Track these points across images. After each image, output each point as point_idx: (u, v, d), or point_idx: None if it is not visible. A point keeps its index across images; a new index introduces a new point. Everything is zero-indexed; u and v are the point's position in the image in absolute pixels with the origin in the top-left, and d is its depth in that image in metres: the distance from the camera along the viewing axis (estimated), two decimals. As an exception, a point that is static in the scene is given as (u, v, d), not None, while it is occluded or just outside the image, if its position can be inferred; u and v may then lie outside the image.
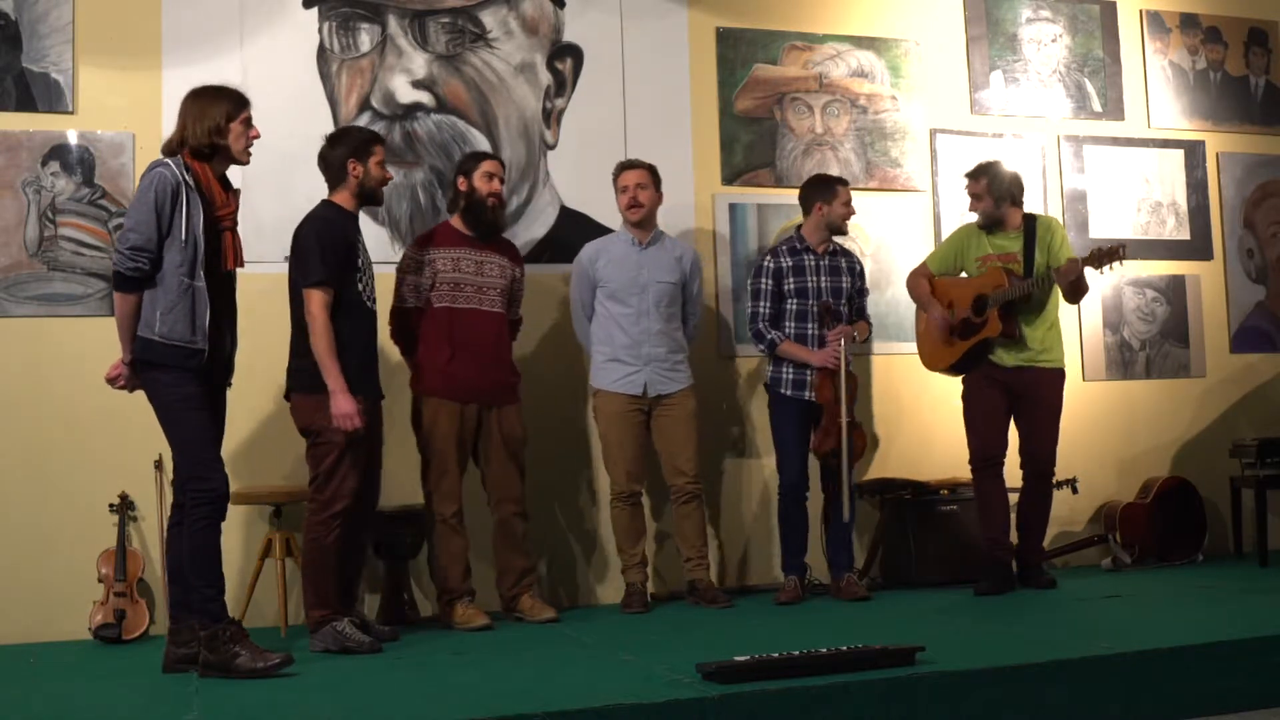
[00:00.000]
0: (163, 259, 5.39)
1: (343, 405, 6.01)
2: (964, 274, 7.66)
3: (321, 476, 6.17)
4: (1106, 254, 7.05)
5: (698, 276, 7.57)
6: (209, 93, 5.65)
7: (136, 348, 5.43)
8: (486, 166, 6.96)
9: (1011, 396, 7.44)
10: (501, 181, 7.04)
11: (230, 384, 5.80)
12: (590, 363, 7.47)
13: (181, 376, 5.42)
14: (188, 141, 5.53)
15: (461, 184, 6.99)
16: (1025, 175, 7.79)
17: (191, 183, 5.46)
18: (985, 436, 7.47)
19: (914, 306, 8.01)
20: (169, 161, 5.47)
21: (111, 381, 5.62)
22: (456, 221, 7.03)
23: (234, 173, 5.78)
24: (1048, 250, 7.40)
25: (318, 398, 6.09)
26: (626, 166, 7.42)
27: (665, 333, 7.32)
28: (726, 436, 8.09)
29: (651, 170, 7.40)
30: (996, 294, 7.31)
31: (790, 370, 7.41)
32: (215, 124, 5.53)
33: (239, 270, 5.75)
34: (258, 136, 5.71)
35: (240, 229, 5.70)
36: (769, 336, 7.45)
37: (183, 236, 5.39)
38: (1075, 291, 7.35)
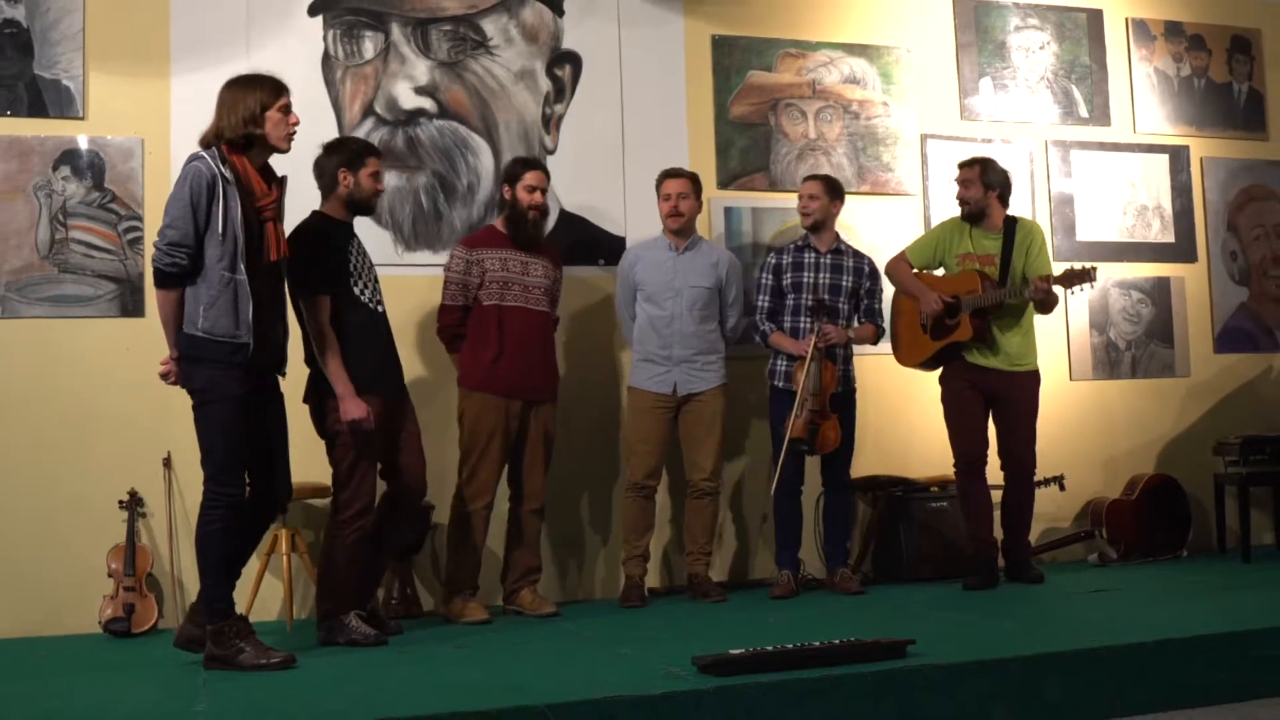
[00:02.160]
0: (203, 254, 5.31)
1: (352, 409, 5.96)
2: (942, 268, 7.66)
3: (341, 479, 6.16)
4: (1078, 275, 7.08)
5: (735, 281, 7.57)
6: (243, 82, 5.55)
7: (180, 343, 5.36)
8: (529, 179, 6.98)
9: (989, 398, 7.44)
10: (544, 193, 7.05)
11: (284, 373, 5.75)
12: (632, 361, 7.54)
13: (225, 374, 5.34)
14: (224, 133, 5.43)
15: (506, 192, 7.05)
16: (1014, 179, 7.76)
17: (229, 175, 5.37)
18: (966, 438, 7.46)
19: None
20: (204, 155, 5.37)
21: (164, 377, 5.56)
22: (501, 224, 7.08)
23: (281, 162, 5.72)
24: (1025, 255, 7.40)
25: (334, 402, 6.06)
26: (670, 175, 7.46)
27: (698, 334, 7.37)
28: (726, 434, 8.08)
29: (694, 179, 7.47)
30: (969, 299, 7.31)
31: (783, 362, 7.47)
32: (250, 113, 5.43)
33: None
34: (297, 123, 5.61)
35: (278, 221, 5.61)
36: (762, 328, 7.56)
37: (220, 230, 5.30)
38: (1045, 305, 7.34)
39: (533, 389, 6.95)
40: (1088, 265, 7.16)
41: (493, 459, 6.86)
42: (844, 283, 7.54)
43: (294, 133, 5.61)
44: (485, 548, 6.96)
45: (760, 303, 7.60)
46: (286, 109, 5.55)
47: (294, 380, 6.16)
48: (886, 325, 7.80)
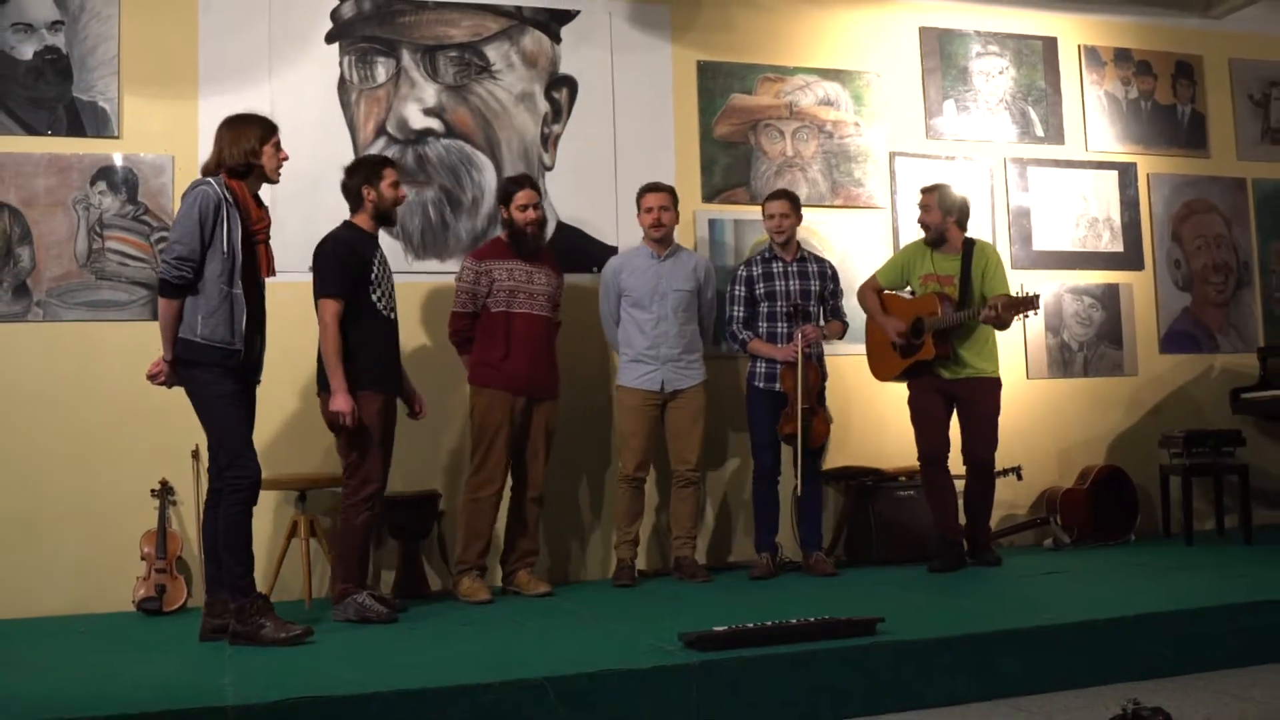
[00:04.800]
0: (204, 268, 5.41)
1: (340, 403, 6.06)
2: (909, 287, 7.67)
3: (352, 465, 6.22)
4: (1020, 304, 7.03)
5: (711, 283, 7.62)
6: (241, 120, 5.69)
7: (179, 348, 5.44)
8: (520, 199, 6.99)
9: (951, 401, 7.46)
10: (536, 207, 7.04)
11: (259, 381, 5.80)
12: (619, 362, 7.53)
13: (220, 374, 5.45)
14: (225, 163, 5.55)
15: (504, 212, 7.07)
16: (975, 194, 7.84)
17: (230, 199, 5.48)
18: (930, 438, 7.47)
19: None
20: (210, 181, 5.50)
21: (152, 378, 5.62)
22: (505, 237, 7.09)
23: (263, 191, 5.78)
24: (982, 276, 7.40)
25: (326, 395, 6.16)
26: (651, 189, 7.46)
27: (681, 334, 7.39)
28: (707, 428, 8.09)
29: (672, 192, 7.47)
30: (931, 321, 7.32)
31: (762, 365, 7.49)
32: (250, 146, 5.57)
33: (269, 280, 5.76)
34: (286, 158, 5.74)
35: (269, 242, 5.70)
36: (740, 336, 7.56)
37: (224, 248, 5.41)
38: (999, 325, 7.32)
39: (537, 386, 6.98)
40: (1030, 294, 7.10)
41: (500, 449, 6.88)
42: (812, 287, 7.57)
43: (282, 165, 5.75)
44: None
45: (735, 313, 7.61)
46: (278, 145, 5.71)
47: (296, 381, 6.25)
48: (850, 320, 7.85)
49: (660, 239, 7.44)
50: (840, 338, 7.80)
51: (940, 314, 7.30)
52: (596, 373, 7.88)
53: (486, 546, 6.90)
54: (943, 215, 7.49)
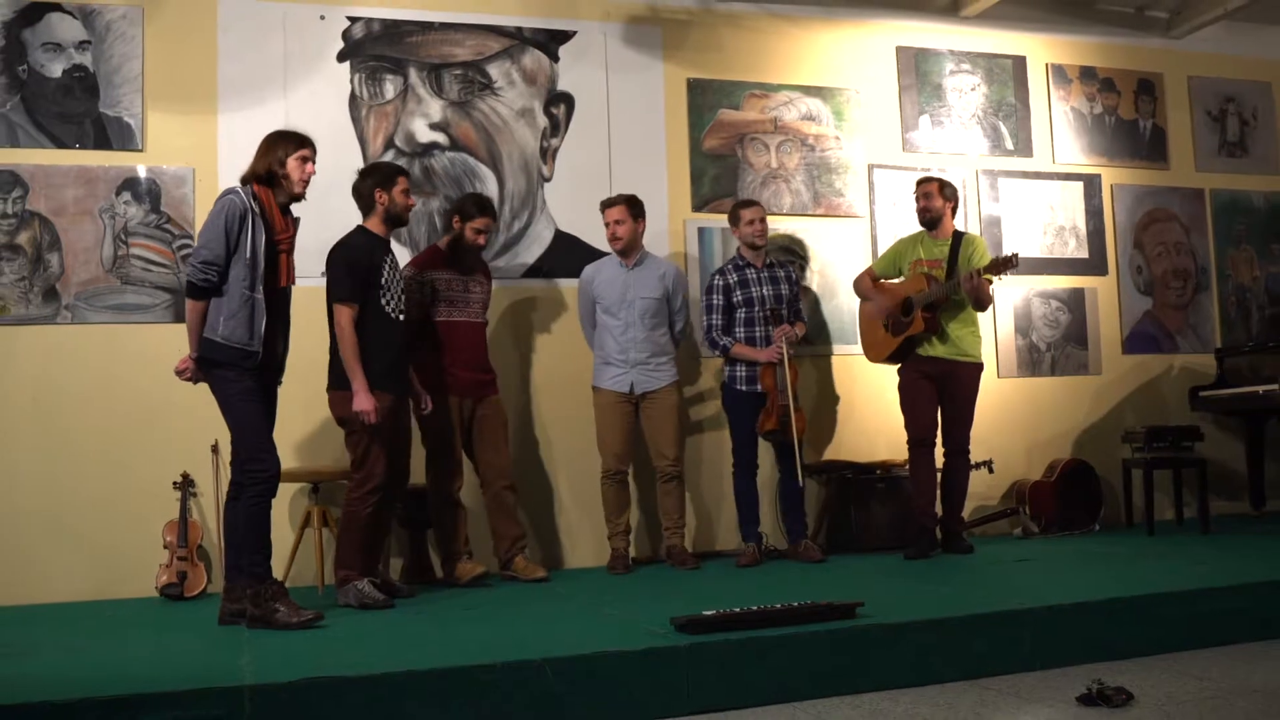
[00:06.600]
0: (229, 273, 5.42)
1: (362, 402, 6.05)
2: (901, 275, 7.72)
3: (357, 460, 6.22)
4: (1002, 263, 7.13)
5: (681, 289, 7.59)
6: (279, 134, 5.74)
7: (202, 347, 5.45)
8: (478, 224, 6.94)
9: (938, 385, 7.49)
10: (487, 235, 7.05)
11: (280, 383, 5.80)
12: (595, 363, 7.52)
13: (240, 373, 5.45)
14: (256, 172, 5.57)
15: (456, 224, 7.00)
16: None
17: (257, 209, 5.49)
18: (919, 420, 7.52)
19: (854, 315, 8.09)
20: (239, 190, 5.51)
21: (180, 373, 5.60)
22: (444, 246, 7.07)
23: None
24: (968, 261, 7.44)
25: (350, 394, 6.12)
26: (606, 204, 7.46)
27: (650, 340, 7.37)
28: (697, 424, 8.11)
29: (629, 203, 7.42)
30: (919, 296, 7.38)
31: (742, 369, 7.49)
32: (278, 158, 5.58)
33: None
34: (313, 173, 5.72)
35: (291, 253, 5.70)
36: (721, 342, 7.54)
37: (247, 255, 5.43)
38: (979, 302, 7.40)
39: (479, 387, 6.99)
40: (1010, 254, 7.21)
41: (455, 447, 6.92)
42: (783, 291, 7.59)
43: (308, 180, 5.71)
44: (471, 525, 7.00)
45: (714, 321, 7.59)
46: (305, 159, 5.67)
47: (311, 379, 6.31)
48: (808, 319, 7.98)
49: (622, 250, 7.44)
50: (801, 336, 7.77)
51: (929, 289, 7.36)
52: (587, 372, 7.84)
53: (465, 535, 6.93)
54: (943, 201, 7.60)
